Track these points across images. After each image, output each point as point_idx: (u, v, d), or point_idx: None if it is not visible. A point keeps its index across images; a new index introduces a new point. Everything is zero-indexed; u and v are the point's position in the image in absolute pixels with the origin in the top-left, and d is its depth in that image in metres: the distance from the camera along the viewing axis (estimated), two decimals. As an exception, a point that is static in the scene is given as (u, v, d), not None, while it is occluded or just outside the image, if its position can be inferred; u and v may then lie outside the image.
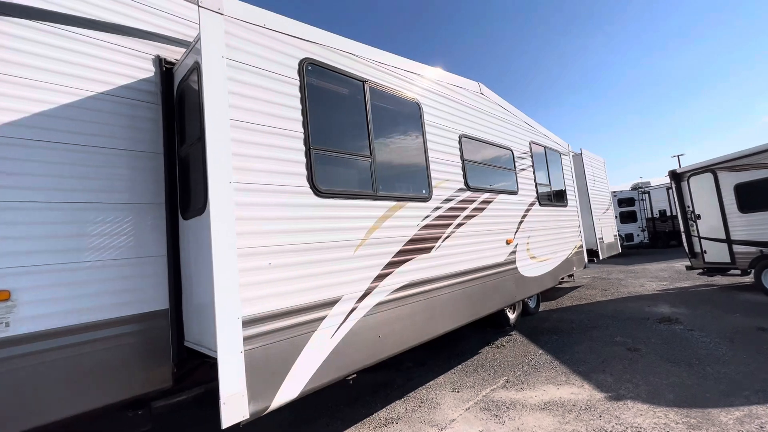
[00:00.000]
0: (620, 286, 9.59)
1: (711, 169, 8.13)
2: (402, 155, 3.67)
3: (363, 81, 3.23)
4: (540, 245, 5.66)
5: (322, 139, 2.81)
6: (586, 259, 7.49)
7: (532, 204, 5.64)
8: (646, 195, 18.53)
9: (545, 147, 6.42)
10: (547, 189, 6.28)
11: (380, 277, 3.01)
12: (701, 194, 8.42)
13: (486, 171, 4.80)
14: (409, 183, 3.67)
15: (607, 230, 10.33)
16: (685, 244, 8.90)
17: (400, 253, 3.23)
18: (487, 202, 4.57)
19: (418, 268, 3.40)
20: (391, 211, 3.23)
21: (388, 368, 5.11)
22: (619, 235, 17.08)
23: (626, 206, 17.92)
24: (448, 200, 3.94)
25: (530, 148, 5.93)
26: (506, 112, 5.43)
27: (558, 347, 5.32)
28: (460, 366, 5.01)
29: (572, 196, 7.28)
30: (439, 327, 3.53)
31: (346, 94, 3.16)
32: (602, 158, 11.34)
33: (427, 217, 3.61)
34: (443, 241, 3.76)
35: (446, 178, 3.98)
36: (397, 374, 4.93)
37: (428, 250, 3.55)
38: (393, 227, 3.20)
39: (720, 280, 9.17)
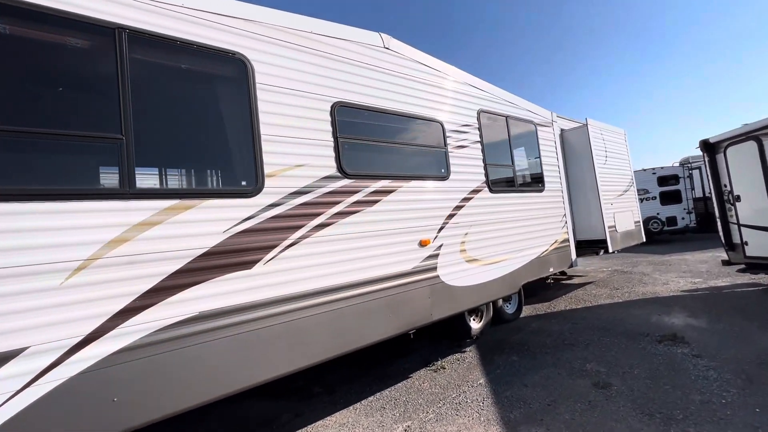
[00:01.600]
0: (638, 284, 7.93)
1: (755, 135, 6.23)
2: (205, 133, 2.67)
3: (117, 28, 2.24)
4: (486, 244, 4.41)
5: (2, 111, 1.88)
6: (573, 256, 6.02)
7: (476, 191, 4.37)
8: (696, 171, 15.82)
9: (507, 117, 5.03)
10: (507, 170, 4.94)
11: (128, 313, 2.07)
12: (742, 169, 6.54)
13: (386, 151, 3.64)
14: (219, 171, 2.67)
15: (624, 217, 8.57)
16: (720, 233, 7.06)
17: (179, 274, 2.26)
18: (384, 192, 3.43)
19: (220, 293, 2.42)
20: (164, 214, 2.25)
21: (286, 395, 4.21)
22: (658, 220, 14.82)
23: (668, 185, 15.42)
24: (300, 193, 2.88)
25: (478, 119, 4.60)
26: (432, 73, 4.16)
27: (508, 375, 4.12)
28: (371, 398, 3.99)
29: (554, 178, 5.81)
30: (254, 375, 2.54)
31: (81, 47, 2.19)
32: (621, 129, 9.45)
33: (249, 219, 2.59)
34: (284, 250, 2.73)
35: (299, 162, 2.91)
36: (291, 404, 4.01)
37: (248, 264, 2.55)
38: (164, 238, 2.23)
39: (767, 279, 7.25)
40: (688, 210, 15.10)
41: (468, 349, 5.12)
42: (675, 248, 13.14)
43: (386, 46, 3.71)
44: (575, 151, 8.14)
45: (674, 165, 15.82)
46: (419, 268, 3.64)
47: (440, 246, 3.86)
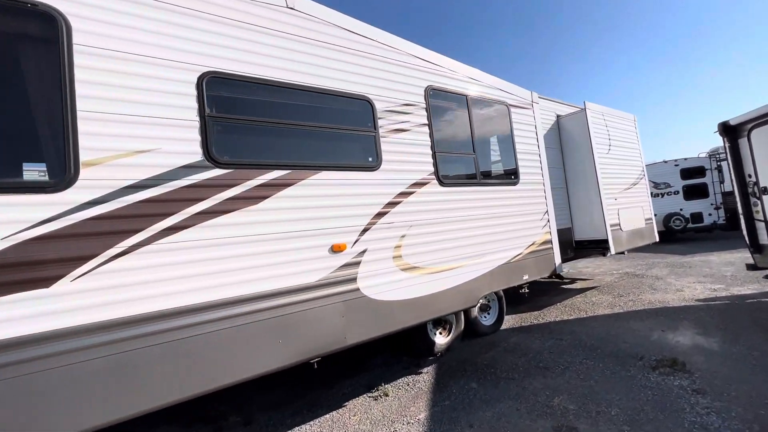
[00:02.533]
0: (647, 290, 6.92)
1: (786, 114, 5.15)
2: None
3: None
4: (433, 248, 3.63)
5: None
6: (557, 261, 5.12)
7: (420, 184, 3.60)
8: (725, 163, 14.29)
9: (467, 96, 4.22)
10: (467, 160, 4.14)
11: None
12: (770, 155, 5.46)
13: (285, 134, 2.93)
14: (9, 159, 2.05)
15: (632, 213, 7.55)
16: (744, 232, 5.97)
17: None
18: (277, 185, 2.73)
19: (-11, 321, 1.79)
20: None
21: (198, 421, 3.58)
22: (681, 216, 13.47)
23: (693, 178, 13.99)
24: (140, 187, 2.22)
25: (427, 98, 3.82)
26: (358, 40, 3.41)
27: (456, 409, 3.36)
28: (285, 435, 3.32)
29: (533, 168, 4.92)
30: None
31: None
32: (631, 115, 8.38)
33: (50, 221, 1.95)
34: (108, 262, 2.07)
35: (141, 147, 2.25)
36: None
37: (43, 282, 1.91)
38: None
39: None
40: (715, 205, 13.66)
41: (426, 369, 4.37)
42: (699, 248, 11.82)
43: (290, 6, 3.00)
44: (573, 139, 7.19)
45: (700, 156, 14.36)
46: (329, 280, 2.92)
47: (363, 252, 3.12)
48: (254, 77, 2.75)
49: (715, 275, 7.68)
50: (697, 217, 13.69)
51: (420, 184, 3.60)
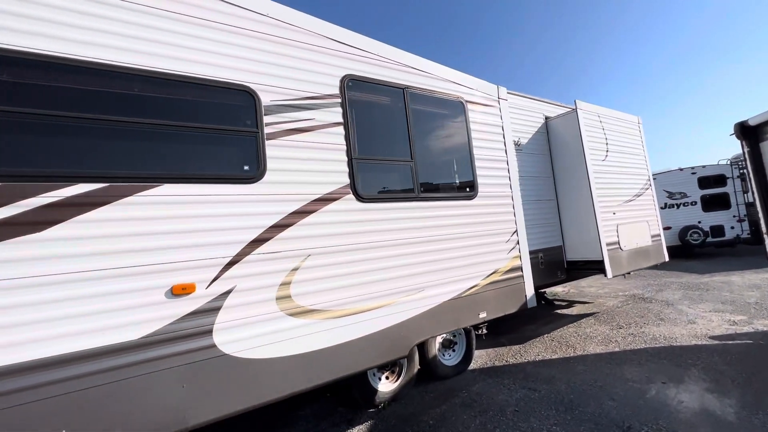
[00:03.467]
0: (653, 321, 5.87)
1: (819, 110, 4.14)
2: None
3: None
4: (341, 283, 2.76)
5: None
6: (529, 292, 4.14)
7: (326, 200, 2.77)
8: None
9: (405, 90, 3.38)
10: (401, 168, 3.28)
11: None
12: (799, 161, 4.43)
13: (108, 134, 2.13)
14: None
15: (634, 230, 6.51)
16: (767, 249, 4.91)
17: None
18: (84, 205, 1.95)
19: None
20: None
21: None
22: (699, 229, 12.20)
23: (712, 187, 12.71)
24: None
25: (343, 90, 3.00)
26: (229, 11, 2.62)
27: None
28: None
29: (497, 178, 3.99)
30: None
31: None
32: (634, 117, 7.38)
33: None
34: None
35: None
36: None
37: None
38: None
39: None
40: (738, 217, 12.33)
41: (359, 427, 3.49)
42: (719, 265, 10.56)
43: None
44: (564, 144, 6.26)
45: (720, 163, 13.08)
46: (165, 335, 2.09)
47: (226, 293, 2.29)
48: (42, 54, 1.97)
49: (737, 302, 6.55)
50: (717, 230, 12.37)
51: (326, 200, 2.76)
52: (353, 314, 2.75)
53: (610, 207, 6.12)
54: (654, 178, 13.36)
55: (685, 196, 12.81)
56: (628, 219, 6.43)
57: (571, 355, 4.83)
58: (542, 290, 7.37)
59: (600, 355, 4.71)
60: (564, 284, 9.28)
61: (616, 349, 4.85)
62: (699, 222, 12.48)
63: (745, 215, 12.30)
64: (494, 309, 3.72)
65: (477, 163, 3.77)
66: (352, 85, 3.05)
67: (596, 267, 5.98)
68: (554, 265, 6.03)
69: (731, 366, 3.99)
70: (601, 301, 7.79)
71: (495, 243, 3.80)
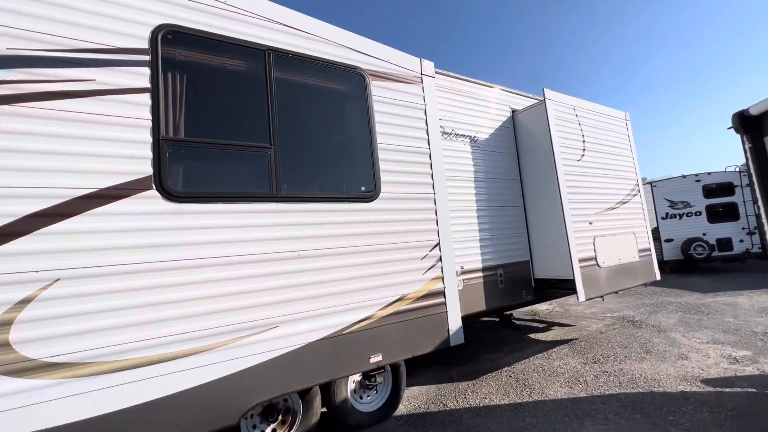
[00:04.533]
0: (636, 353, 4.85)
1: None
2: None
3: None
4: (122, 320, 1.86)
5: None
6: (453, 324, 3.13)
7: (100, 197, 1.89)
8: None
9: (270, 51, 2.45)
10: (255, 156, 2.37)
11: None
12: (815, 159, 3.44)
13: None
14: None
15: (618, 242, 5.52)
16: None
17: None
18: None
19: None
20: None
21: None
22: (704, 242, 11.06)
23: (719, 196, 11.59)
24: None
25: (155, 45, 2.12)
26: None
27: None
28: None
29: (413, 175, 2.99)
30: None
31: None
32: (621, 112, 6.42)
33: None
34: None
35: None
36: None
37: None
38: None
39: None
40: (748, 230, 11.18)
41: None
42: (725, 283, 9.41)
43: None
44: (532, 141, 5.33)
45: (728, 170, 11.96)
46: None
47: None
48: None
49: (741, 331, 5.48)
50: (724, 243, 11.22)
51: (104, 198, 1.88)
52: (133, 368, 1.85)
53: (585, 216, 5.15)
54: (654, 186, 12.41)
55: (688, 205, 11.69)
56: (609, 230, 5.44)
57: (525, 400, 3.84)
58: (508, 312, 6.38)
59: (560, 402, 3.72)
60: (549, 301, 8.28)
61: (582, 394, 3.85)
62: (704, 234, 11.34)
63: (755, 227, 11.15)
64: (396, 349, 2.76)
65: (381, 155, 2.86)
66: (172, 39, 2.19)
67: (568, 287, 5.00)
68: (518, 283, 5.06)
69: (723, 429, 2.98)
70: (584, 323, 6.76)
71: (403, 260, 2.86)
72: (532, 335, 6.26)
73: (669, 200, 11.82)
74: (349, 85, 2.87)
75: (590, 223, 5.18)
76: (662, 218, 11.77)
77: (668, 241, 11.59)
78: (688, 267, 11.67)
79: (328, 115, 2.79)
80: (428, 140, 3.18)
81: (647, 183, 12.41)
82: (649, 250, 6.05)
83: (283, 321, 2.29)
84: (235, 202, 2.22)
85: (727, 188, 11.59)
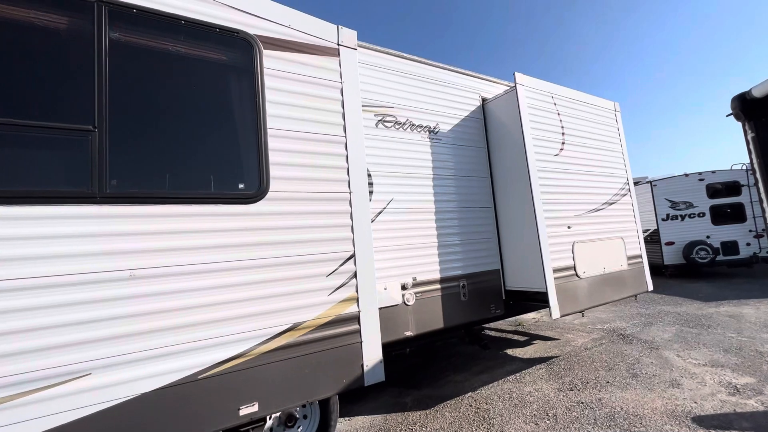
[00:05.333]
0: (621, 378, 4.18)
1: None
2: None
3: None
4: None
5: None
6: (371, 357, 2.48)
7: None
8: (768, 176, 10.99)
9: (100, 4, 1.87)
10: (76, 143, 1.77)
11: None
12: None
13: None
14: None
15: (602, 249, 4.84)
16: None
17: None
18: None
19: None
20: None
21: None
22: (707, 246, 10.29)
23: (724, 197, 10.81)
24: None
25: None
26: None
27: None
28: None
29: (320, 170, 2.31)
30: None
31: None
32: (610, 102, 5.73)
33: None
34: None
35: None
36: None
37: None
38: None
39: None
40: (756, 233, 10.39)
41: None
42: (730, 290, 8.66)
43: None
44: (503, 133, 4.68)
45: (734, 168, 11.16)
46: None
47: None
48: None
49: (745, 350, 4.78)
50: (730, 247, 10.44)
51: None
52: None
53: (563, 218, 4.48)
54: (654, 185, 11.63)
55: (691, 206, 10.92)
56: (591, 234, 4.76)
57: (479, 440, 3.20)
58: (479, 326, 5.72)
59: (518, 446, 3.07)
60: (538, 311, 7.60)
61: (548, 434, 3.20)
62: (708, 237, 10.56)
63: (763, 230, 10.36)
64: (282, 395, 2.12)
65: (272, 143, 2.22)
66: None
67: (542, 300, 4.34)
68: (485, 295, 4.41)
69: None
70: (569, 336, 6.08)
71: (299, 278, 2.23)
72: (509, 351, 5.60)
73: (670, 200, 11.06)
74: (229, 54, 2.24)
75: (569, 227, 4.51)
76: (663, 219, 11.01)
77: (669, 244, 10.83)
78: (690, 272, 10.92)
79: (193, 92, 2.16)
80: (344, 126, 2.54)
81: (647, 182, 11.65)
82: (640, 256, 5.36)
83: (99, 366, 1.68)
84: (27, 204, 1.61)
85: (733, 188, 10.81)
